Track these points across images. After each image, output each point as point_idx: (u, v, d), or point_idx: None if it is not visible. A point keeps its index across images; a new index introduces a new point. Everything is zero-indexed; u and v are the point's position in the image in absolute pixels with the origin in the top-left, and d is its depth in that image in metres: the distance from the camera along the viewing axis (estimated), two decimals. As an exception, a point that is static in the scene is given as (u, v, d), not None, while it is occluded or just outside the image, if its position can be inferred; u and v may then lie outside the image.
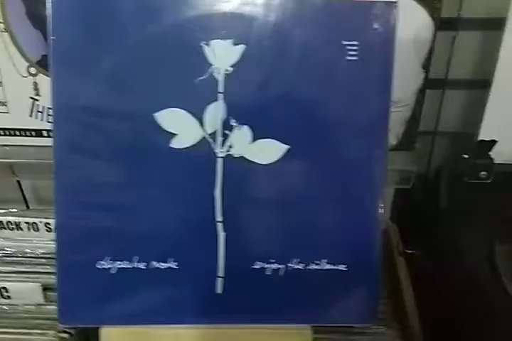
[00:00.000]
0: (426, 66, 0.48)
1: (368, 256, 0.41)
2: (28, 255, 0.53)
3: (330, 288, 0.42)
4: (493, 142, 0.47)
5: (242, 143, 0.39)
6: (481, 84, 0.51)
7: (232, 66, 0.38)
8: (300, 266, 0.41)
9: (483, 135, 0.52)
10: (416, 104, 0.50)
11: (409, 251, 0.61)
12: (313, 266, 0.41)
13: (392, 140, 0.52)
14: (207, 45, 0.38)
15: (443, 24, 0.48)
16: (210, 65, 0.38)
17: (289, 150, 0.40)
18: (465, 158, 0.49)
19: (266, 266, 0.41)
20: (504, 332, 0.36)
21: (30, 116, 0.51)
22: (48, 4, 0.37)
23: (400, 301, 0.57)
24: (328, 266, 0.41)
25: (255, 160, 0.40)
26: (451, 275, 0.44)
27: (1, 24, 0.47)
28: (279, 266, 0.41)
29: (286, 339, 0.41)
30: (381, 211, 0.42)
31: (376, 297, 0.42)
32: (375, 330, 0.47)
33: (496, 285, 0.38)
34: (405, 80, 0.48)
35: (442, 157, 0.58)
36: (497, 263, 0.40)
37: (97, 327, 0.42)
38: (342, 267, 0.41)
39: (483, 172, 0.48)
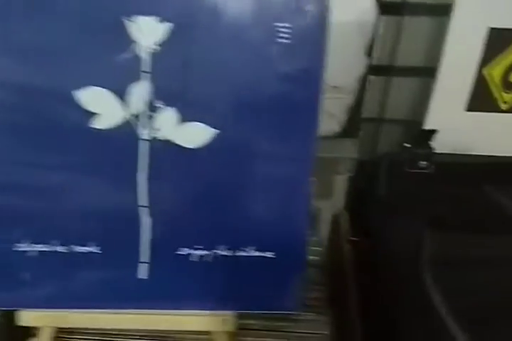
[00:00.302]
0: (369, 52, 0.47)
1: (296, 244, 0.41)
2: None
3: (257, 275, 0.41)
4: (433, 131, 0.47)
5: (169, 126, 0.38)
6: (428, 72, 0.50)
7: (158, 45, 0.37)
8: (227, 253, 0.40)
9: (430, 124, 0.51)
10: (360, 90, 0.49)
11: (354, 239, 0.61)
12: (241, 253, 0.41)
13: (336, 127, 0.51)
14: (131, 21, 0.36)
15: (388, 8, 0.47)
16: (134, 42, 0.36)
17: (217, 135, 0.38)
18: (406, 147, 0.49)
19: (192, 252, 0.40)
20: (421, 321, 0.36)
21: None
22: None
23: (342, 288, 0.58)
24: (255, 253, 0.41)
25: (182, 144, 0.38)
26: (385, 264, 0.44)
27: None
28: (206, 253, 0.40)
29: (208, 325, 0.40)
30: (311, 199, 0.41)
31: (303, 285, 0.42)
32: (305, 317, 0.47)
33: (417, 277, 0.38)
34: (348, 66, 0.47)
35: (390, 145, 0.57)
36: (422, 255, 0.39)
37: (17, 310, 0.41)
38: (270, 254, 0.41)
39: (422, 162, 0.47)
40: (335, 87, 0.47)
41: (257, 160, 0.39)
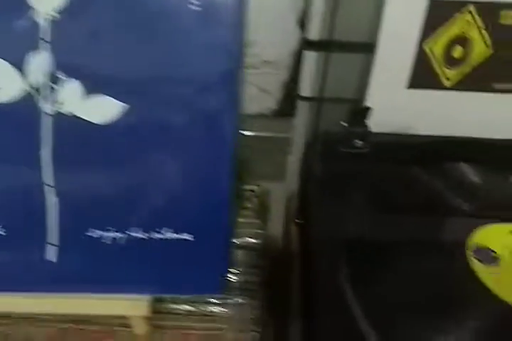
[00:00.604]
0: (302, 24, 0.45)
1: (216, 226, 0.39)
2: None
3: (175, 258, 0.39)
4: (367, 109, 0.45)
5: (73, 100, 0.35)
6: (369, 48, 0.48)
7: (58, 11, 0.34)
8: (142, 235, 0.39)
9: (371, 102, 0.49)
10: (295, 66, 0.47)
11: (299, 221, 0.60)
12: (156, 235, 0.39)
13: (272, 104, 0.49)
14: (26, -16, 0.34)
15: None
16: (31, 7, 0.34)
17: (126, 109, 0.36)
18: (343, 125, 0.47)
19: (103, 234, 0.38)
20: (336, 316, 0.35)
21: None
22: None
23: (282, 272, 0.56)
24: (173, 236, 0.39)
25: (89, 119, 0.36)
26: (312, 247, 0.42)
27: None
28: (119, 235, 0.38)
29: (121, 309, 0.39)
30: (235, 178, 0.39)
31: (225, 267, 0.40)
32: (235, 301, 0.45)
33: (333, 265, 0.36)
34: (279, 39, 0.45)
35: (334, 125, 0.56)
36: (342, 239, 0.38)
37: None
38: (188, 236, 0.39)
39: (358, 141, 0.45)
40: (267, 61, 0.45)
41: (171, 137, 0.37)
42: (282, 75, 0.47)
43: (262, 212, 0.61)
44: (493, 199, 0.44)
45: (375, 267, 0.35)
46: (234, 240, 0.50)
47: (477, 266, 0.37)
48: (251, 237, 0.54)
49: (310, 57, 0.48)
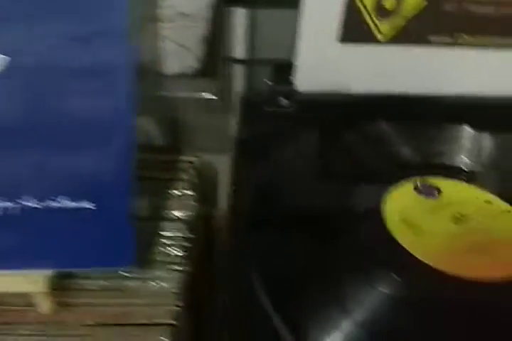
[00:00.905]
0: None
1: (118, 193, 0.35)
2: None
3: (77, 229, 0.36)
4: (290, 66, 0.41)
5: None
6: (296, 2, 0.44)
7: None
8: (36, 205, 0.35)
9: (301, 61, 0.46)
10: (214, 21, 0.43)
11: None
12: (53, 204, 0.35)
13: (193, 63, 0.46)
14: None
15: None
16: None
17: (9, 63, 0.32)
18: (267, 84, 0.43)
19: (-8, 203, 0.35)
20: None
21: None
22: None
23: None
24: (71, 204, 0.36)
25: (-36, 74, 0.32)
26: (232, 214, 0.39)
27: None
28: (10, 204, 0.35)
29: (18, 286, 0.36)
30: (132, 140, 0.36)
31: (130, 239, 0.37)
32: (156, 275, 0.42)
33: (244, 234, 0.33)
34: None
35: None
36: (257, 207, 0.35)
37: None
38: (88, 205, 0.36)
39: (283, 100, 0.42)
40: (183, 13, 0.41)
41: (61, 94, 0.33)
42: (200, 29, 0.43)
43: (200, 184, 0.58)
44: (431, 159, 0.42)
45: (290, 241, 0.32)
46: (164, 212, 0.47)
47: (416, 197, 0.36)
48: (183, 209, 0.52)
49: (237, 15, 0.44)
